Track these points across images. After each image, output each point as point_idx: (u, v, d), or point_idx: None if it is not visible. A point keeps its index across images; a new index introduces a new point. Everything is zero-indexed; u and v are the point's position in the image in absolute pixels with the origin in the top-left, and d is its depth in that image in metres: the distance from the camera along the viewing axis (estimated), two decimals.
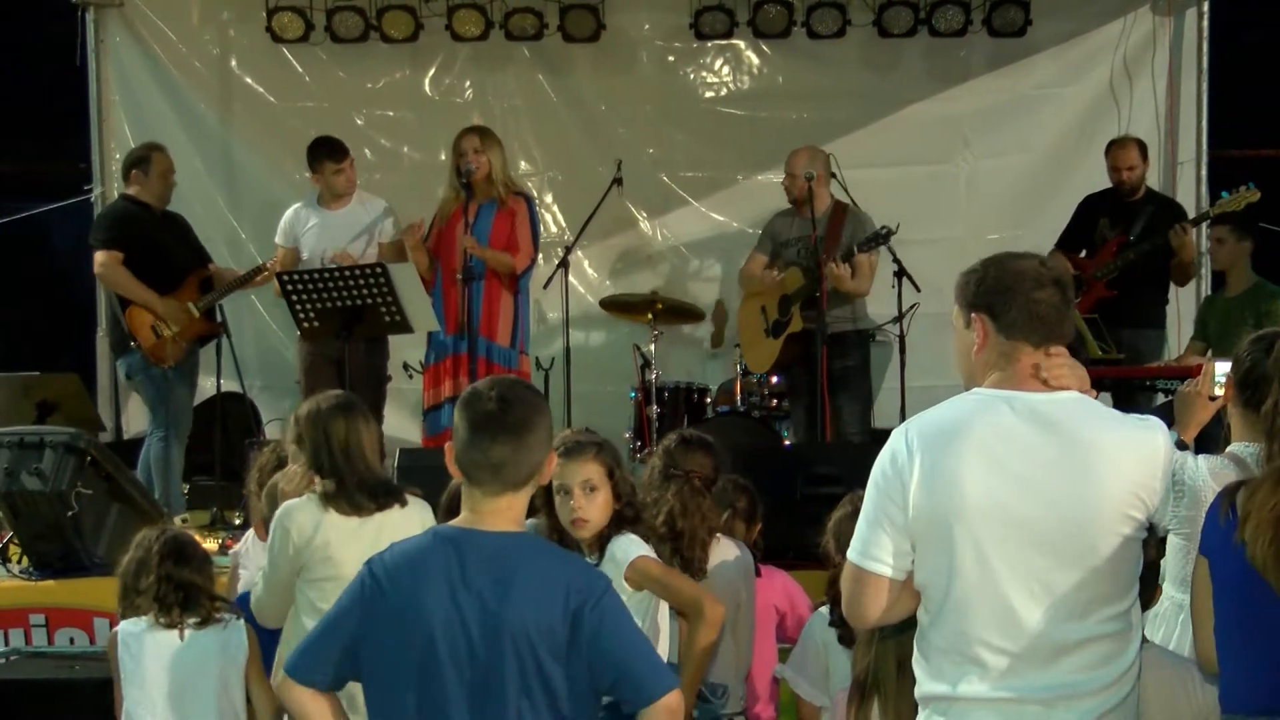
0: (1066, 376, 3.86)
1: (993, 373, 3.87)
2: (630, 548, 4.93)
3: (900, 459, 3.80)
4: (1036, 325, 3.81)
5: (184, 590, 5.42)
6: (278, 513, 5.36)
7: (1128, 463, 3.75)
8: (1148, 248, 9.69)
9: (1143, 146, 10.15)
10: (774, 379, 9.98)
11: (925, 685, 3.88)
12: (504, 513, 3.81)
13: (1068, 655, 3.72)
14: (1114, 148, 10.13)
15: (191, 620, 5.40)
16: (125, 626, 5.40)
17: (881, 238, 9.12)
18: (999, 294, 3.84)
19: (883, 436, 3.96)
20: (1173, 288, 10.39)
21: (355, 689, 3.87)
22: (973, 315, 3.89)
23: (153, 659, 5.35)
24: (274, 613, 5.42)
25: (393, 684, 3.74)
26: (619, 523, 5.03)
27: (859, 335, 9.54)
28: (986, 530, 3.70)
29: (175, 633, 5.39)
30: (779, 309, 9.60)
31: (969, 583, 3.72)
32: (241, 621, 5.52)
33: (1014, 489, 3.71)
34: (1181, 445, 5.09)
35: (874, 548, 3.83)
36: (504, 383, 3.89)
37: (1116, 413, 3.94)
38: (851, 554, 3.89)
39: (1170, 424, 5.18)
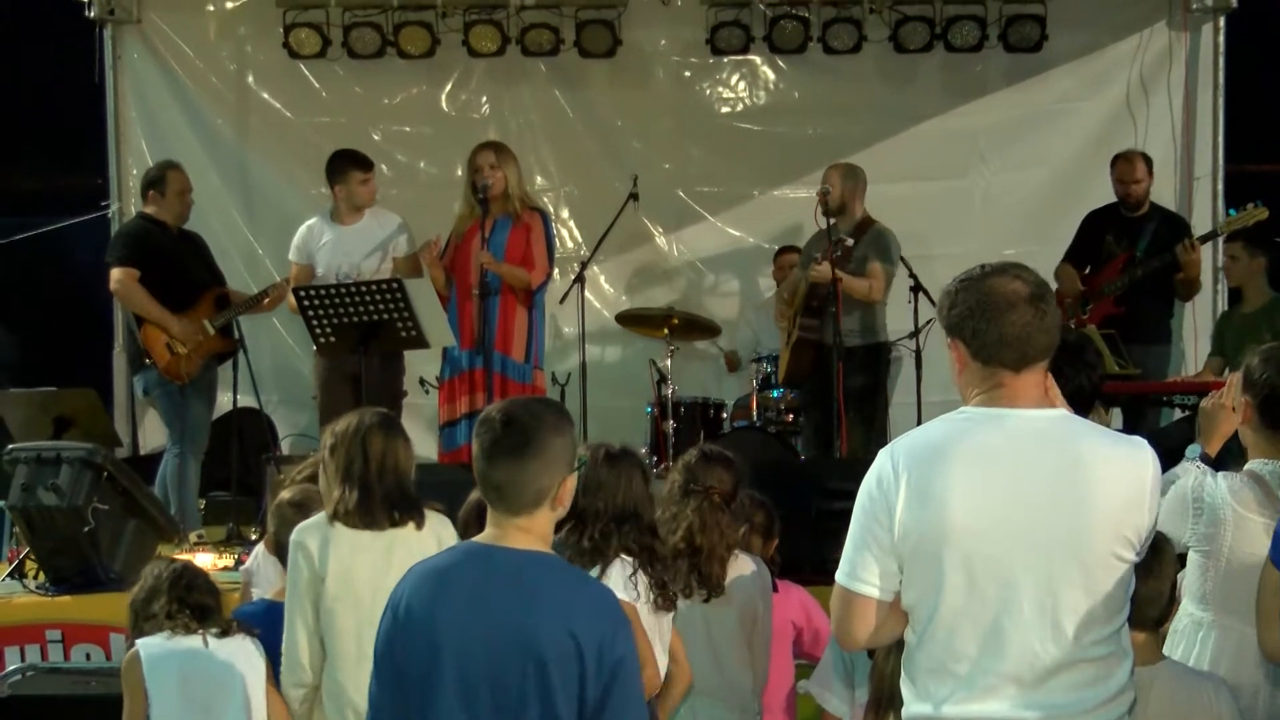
0: (1060, 398, 3.85)
1: (978, 393, 3.82)
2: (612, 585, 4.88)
3: (886, 480, 3.78)
4: (1008, 350, 3.74)
5: (198, 610, 5.42)
6: (291, 538, 5.31)
7: (1119, 482, 3.71)
8: (1156, 264, 9.68)
9: (1148, 160, 10.14)
10: (791, 394, 10.01)
11: (911, 706, 3.86)
12: (526, 531, 3.83)
13: (1055, 676, 3.69)
14: (1120, 161, 10.11)
15: (213, 630, 5.40)
16: (147, 643, 5.38)
17: (836, 244, 9.19)
18: (969, 319, 3.77)
19: None
20: (1188, 303, 10.39)
21: None
22: (949, 340, 3.86)
23: (181, 669, 5.34)
24: (313, 660, 5.26)
25: (411, 696, 3.77)
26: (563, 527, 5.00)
27: (868, 350, 9.53)
28: (975, 549, 3.68)
29: (198, 640, 5.38)
30: (792, 322, 9.68)
31: (957, 602, 3.70)
32: (257, 640, 5.52)
33: (1004, 507, 3.68)
34: (1205, 458, 5.07)
35: (860, 569, 3.81)
36: (515, 404, 3.91)
37: (1106, 430, 3.92)
38: (839, 576, 3.87)
39: (1192, 438, 5.19)
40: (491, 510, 3.87)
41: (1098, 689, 3.72)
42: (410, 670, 3.76)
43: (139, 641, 5.39)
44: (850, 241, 9.28)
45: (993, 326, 3.73)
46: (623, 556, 4.98)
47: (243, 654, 5.42)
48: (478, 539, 3.91)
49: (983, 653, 3.70)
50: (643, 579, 4.96)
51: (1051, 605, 3.66)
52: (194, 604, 5.41)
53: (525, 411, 3.87)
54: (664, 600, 5.02)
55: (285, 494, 5.91)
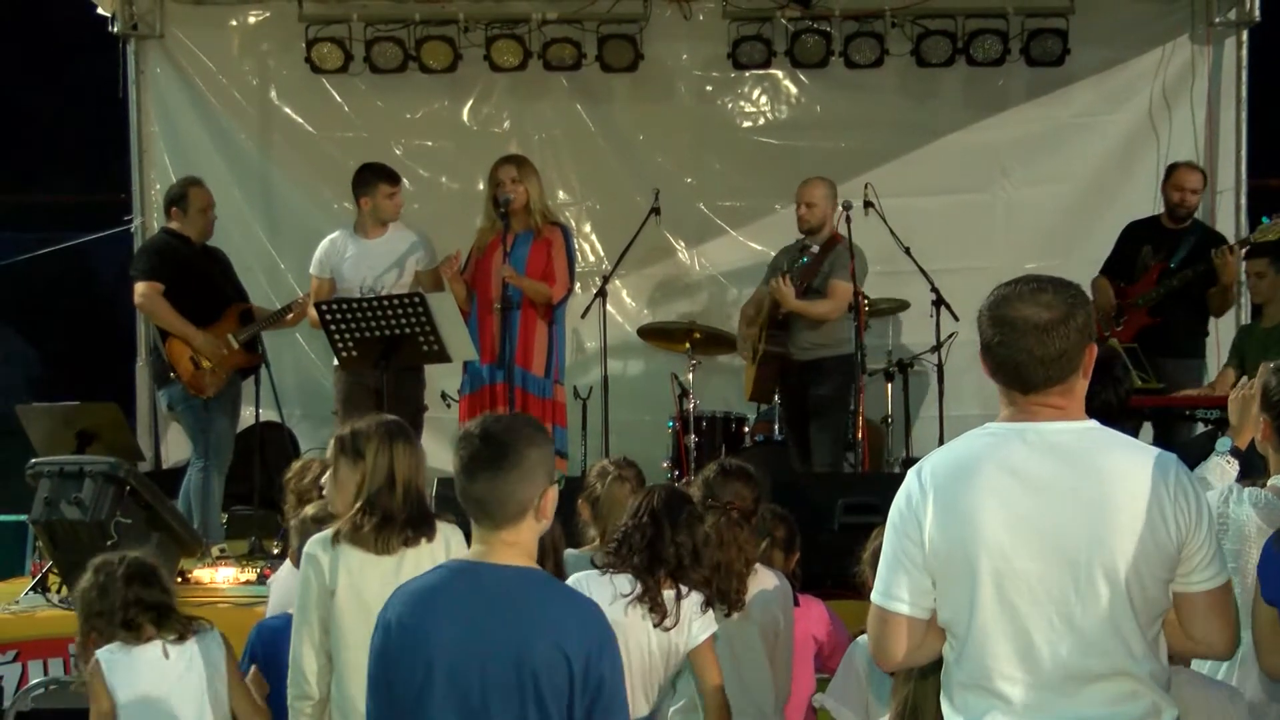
0: None
1: (1003, 407, 3.84)
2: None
3: (915, 498, 3.79)
4: (1009, 374, 3.76)
5: (155, 610, 5.42)
6: (303, 550, 5.28)
7: (1143, 492, 3.68)
8: (1190, 274, 9.65)
9: (1205, 175, 10.14)
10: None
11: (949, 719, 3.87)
12: (512, 546, 3.88)
13: (1088, 687, 3.67)
14: (1181, 168, 10.11)
15: (170, 637, 5.41)
16: (105, 653, 5.39)
17: (803, 251, 9.36)
18: (982, 335, 3.80)
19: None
20: (1210, 319, 10.37)
21: None
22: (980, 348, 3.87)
23: (144, 679, 5.35)
24: (319, 674, 5.20)
25: (404, 712, 3.84)
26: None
27: (836, 362, 9.52)
28: (1003, 564, 3.67)
29: (158, 650, 5.38)
30: (758, 337, 9.71)
31: (989, 617, 3.70)
32: (216, 630, 5.53)
33: (1029, 522, 3.67)
34: (1236, 451, 5.05)
35: (894, 588, 3.82)
36: (491, 419, 3.98)
37: (1132, 440, 3.90)
38: (874, 595, 3.89)
39: (1206, 455, 5.17)
40: (476, 526, 3.92)
41: (1135, 704, 3.70)
42: (402, 686, 3.82)
43: (99, 653, 5.39)
44: (816, 249, 9.36)
45: (996, 350, 3.76)
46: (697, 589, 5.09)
47: (204, 655, 5.43)
48: (465, 556, 3.97)
49: (1016, 667, 3.69)
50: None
51: (1080, 617, 3.65)
52: (152, 603, 5.42)
53: (501, 426, 3.94)
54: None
55: (309, 510, 5.91)
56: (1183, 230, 9.99)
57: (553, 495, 3.95)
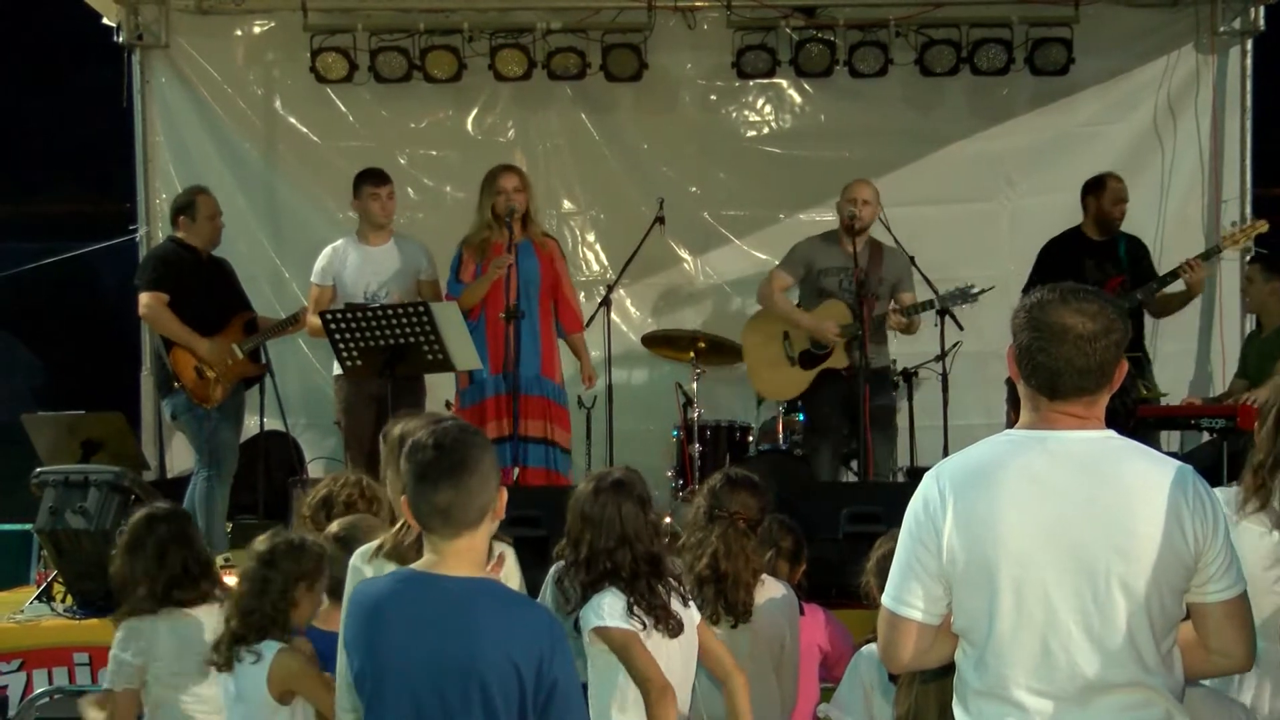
0: None
1: (1025, 412, 3.85)
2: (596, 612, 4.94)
3: (933, 504, 3.80)
4: (1042, 380, 3.76)
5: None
6: (349, 565, 5.01)
7: (1162, 503, 3.69)
8: (1155, 286, 9.60)
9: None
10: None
11: None
12: (464, 554, 3.93)
13: (1104, 696, 3.68)
14: (1111, 181, 10.07)
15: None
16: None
17: (969, 296, 9.21)
18: (1018, 336, 3.81)
19: (923, 475, 3.94)
20: (1215, 327, 10.37)
21: None
22: (1009, 346, 3.87)
23: None
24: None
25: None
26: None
27: (887, 372, 9.68)
28: (1023, 572, 3.68)
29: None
30: (810, 340, 9.62)
31: (1007, 625, 3.71)
32: None
33: (1048, 530, 3.68)
34: None
35: (906, 593, 3.84)
36: (440, 429, 4.00)
37: (1151, 450, 3.89)
38: (885, 599, 3.90)
39: (1218, 462, 5.16)
40: (430, 536, 3.95)
41: (1150, 711, 3.72)
42: (361, 697, 3.94)
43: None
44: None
45: (1035, 353, 3.75)
46: (614, 588, 4.96)
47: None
48: (417, 566, 4.00)
49: (1032, 675, 3.70)
50: (639, 608, 4.96)
51: (1098, 627, 3.67)
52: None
53: (451, 434, 3.97)
54: (666, 627, 5.00)
55: (333, 527, 5.82)
56: (1113, 241, 9.98)
57: (504, 496, 4.01)
